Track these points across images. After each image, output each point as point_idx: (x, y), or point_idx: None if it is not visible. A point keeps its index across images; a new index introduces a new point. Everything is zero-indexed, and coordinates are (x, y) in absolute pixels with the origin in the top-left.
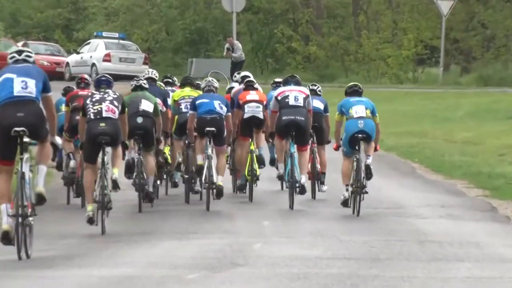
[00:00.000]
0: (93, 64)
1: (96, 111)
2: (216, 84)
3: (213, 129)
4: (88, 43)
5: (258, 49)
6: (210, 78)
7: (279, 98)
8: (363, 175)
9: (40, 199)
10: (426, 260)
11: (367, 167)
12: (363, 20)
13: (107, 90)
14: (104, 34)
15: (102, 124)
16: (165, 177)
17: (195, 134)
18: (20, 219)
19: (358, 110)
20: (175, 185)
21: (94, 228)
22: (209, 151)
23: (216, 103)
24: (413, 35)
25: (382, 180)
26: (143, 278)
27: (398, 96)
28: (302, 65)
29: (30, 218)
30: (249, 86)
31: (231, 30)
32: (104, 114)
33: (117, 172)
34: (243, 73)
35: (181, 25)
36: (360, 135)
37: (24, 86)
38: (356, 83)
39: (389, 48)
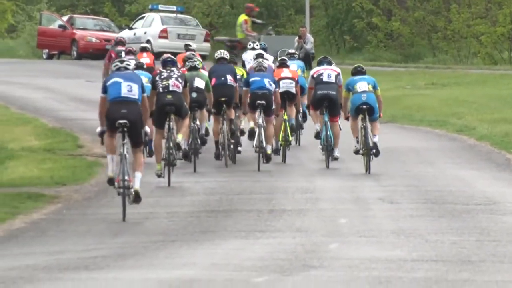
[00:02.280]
0: (148, 41)
1: (164, 85)
2: (265, 64)
3: (263, 102)
4: (142, 18)
5: (334, 25)
6: (260, 60)
7: (315, 76)
8: (369, 143)
9: (136, 197)
10: None
11: (374, 145)
12: None
13: (172, 68)
14: (160, 7)
15: (169, 96)
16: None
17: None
18: (123, 189)
19: (362, 85)
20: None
21: (149, 225)
22: (260, 120)
23: (266, 81)
24: (509, 9)
25: (473, 173)
26: (205, 282)
27: (491, 78)
28: (384, 43)
29: (131, 189)
30: (283, 64)
31: (303, 4)
32: (171, 88)
33: (181, 137)
34: (258, 51)
35: None
36: (364, 106)
37: (129, 89)
38: (360, 64)
39: (482, 25)
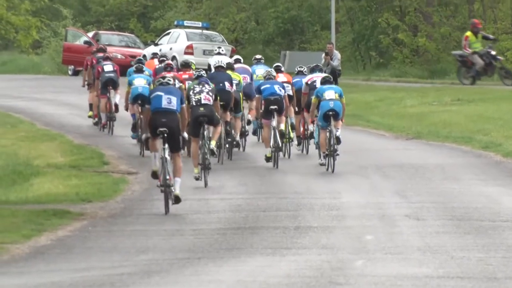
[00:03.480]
0: (174, 57)
1: (197, 99)
2: (274, 73)
3: (276, 107)
4: (168, 34)
5: (360, 40)
6: (270, 69)
7: (309, 82)
8: (333, 142)
9: (177, 199)
10: None
11: (337, 138)
12: (478, 8)
13: (204, 84)
14: (186, 23)
15: (202, 109)
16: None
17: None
18: (165, 188)
19: (329, 94)
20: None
21: (175, 242)
22: (274, 123)
23: (276, 87)
24: None
25: (499, 189)
26: None
27: None
28: (410, 59)
29: (172, 188)
30: (278, 70)
31: (329, 20)
32: (203, 101)
33: (214, 143)
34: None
35: (272, 13)
36: (330, 112)
37: (169, 101)
38: (328, 75)
39: (508, 40)
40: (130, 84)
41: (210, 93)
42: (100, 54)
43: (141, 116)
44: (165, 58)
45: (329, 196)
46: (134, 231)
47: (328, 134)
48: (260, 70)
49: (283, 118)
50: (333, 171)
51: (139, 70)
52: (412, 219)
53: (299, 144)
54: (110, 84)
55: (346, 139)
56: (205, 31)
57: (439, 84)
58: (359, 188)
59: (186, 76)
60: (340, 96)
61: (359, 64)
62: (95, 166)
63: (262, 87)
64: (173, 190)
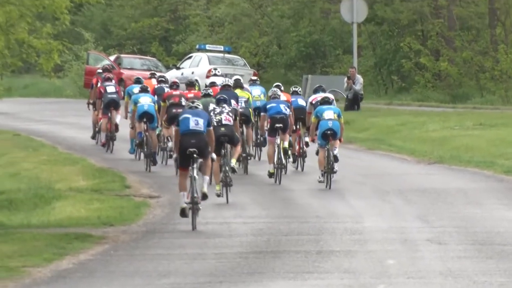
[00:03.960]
0: (196, 81)
1: (218, 120)
2: (279, 93)
3: (281, 125)
4: (190, 57)
5: (382, 65)
6: (275, 89)
7: (313, 102)
8: (331, 159)
9: (204, 196)
10: None
11: (335, 156)
12: (500, 33)
13: (223, 105)
14: (208, 47)
15: (223, 129)
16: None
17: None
18: (192, 205)
19: (328, 114)
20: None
21: (197, 266)
22: (278, 141)
23: (282, 106)
24: None
25: None
26: None
27: None
28: (432, 83)
29: (199, 204)
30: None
31: (351, 44)
32: (223, 122)
33: (234, 161)
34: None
35: (294, 37)
36: (329, 131)
37: (196, 123)
38: (327, 95)
39: None
40: (135, 103)
41: (230, 114)
42: (108, 75)
43: (147, 134)
44: (163, 78)
45: (351, 220)
46: (156, 255)
47: (326, 152)
48: (256, 91)
49: (287, 136)
50: (329, 188)
51: (144, 90)
52: (434, 244)
53: (294, 161)
54: (112, 105)
55: (368, 163)
56: (227, 55)
57: (461, 109)
58: (381, 212)
59: (191, 94)
60: (339, 116)
61: (381, 88)
62: (117, 190)
63: (268, 106)
64: (200, 202)
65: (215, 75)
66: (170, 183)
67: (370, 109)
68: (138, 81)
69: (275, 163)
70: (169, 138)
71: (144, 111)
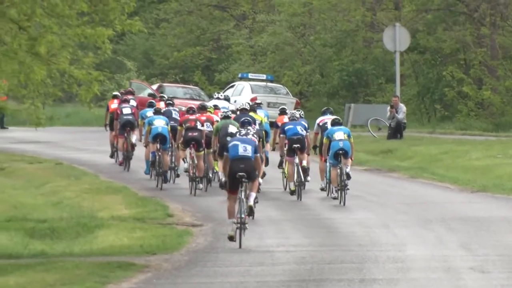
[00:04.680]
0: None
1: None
2: (297, 115)
3: (298, 145)
4: (232, 86)
5: (425, 93)
6: (294, 111)
7: (320, 124)
8: (344, 178)
9: (250, 211)
10: None
11: (347, 174)
12: None
13: (249, 128)
14: (250, 75)
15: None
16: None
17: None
18: (240, 225)
19: (339, 135)
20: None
21: None
22: (297, 160)
23: (299, 128)
24: None
25: None
26: None
27: None
28: (475, 112)
29: (246, 224)
30: (283, 112)
31: (393, 73)
32: (241, 153)
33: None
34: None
35: (337, 66)
36: (340, 151)
37: (245, 149)
38: (337, 117)
39: None
40: (150, 124)
41: (255, 135)
42: (126, 97)
43: (159, 153)
44: (171, 101)
45: (394, 249)
46: (199, 284)
47: (339, 171)
48: (260, 113)
49: (305, 155)
50: (344, 204)
51: (158, 112)
52: (477, 272)
53: (322, 189)
54: (128, 125)
55: (411, 192)
56: (269, 84)
57: (504, 137)
58: (424, 240)
59: (204, 117)
60: (349, 136)
61: (424, 117)
62: (159, 218)
63: (286, 128)
64: (246, 222)
65: (218, 98)
66: (213, 212)
67: (413, 138)
68: (150, 105)
69: (295, 181)
70: (184, 160)
71: (158, 132)
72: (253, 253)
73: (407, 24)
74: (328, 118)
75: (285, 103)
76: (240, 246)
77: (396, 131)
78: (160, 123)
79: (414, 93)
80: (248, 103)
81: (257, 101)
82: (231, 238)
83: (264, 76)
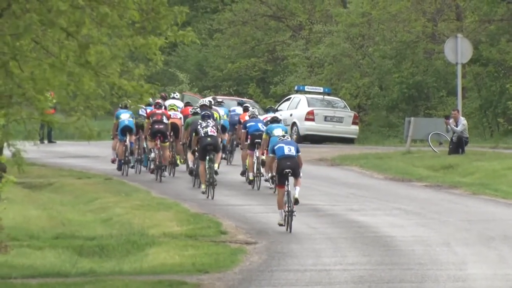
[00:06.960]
0: (294, 124)
1: (205, 132)
2: (257, 113)
3: (259, 140)
4: (288, 99)
5: (487, 107)
6: (254, 109)
7: (264, 121)
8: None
9: (296, 201)
10: None
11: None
12: None
13: (208, 120)
14: (307, 88)
15: (209, 139)
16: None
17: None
18: (289, 213)
19: (278, 131)
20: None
21: None
22: (257, 153)
23: (259, 125)
24: None
25: None
26: None
27: None
28: None
29: (294, 212)
30: (275, 122)
31: (455, 85)
32: (209, 133)
33: (217, 165)
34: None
35: (397, 78)
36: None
37: (289, 150)
38: (276, 116)
39: None
40: (117, 118)
41: (214, 127)
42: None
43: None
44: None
45: (454, 268)
46: None
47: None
48: (221, 111)
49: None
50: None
51: (125, 107)
52: None
53: (266, 180)
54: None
55: (473, 209)
56: (326, 97)
57: None
58: (486, 259)
59: (170, 112)
60: (286, 132)
61: (486, 131)
62: (212, 236)
63: (248, 124)
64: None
65: (173, 98)
66: (268, 229)
67: (475, 153)
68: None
69: (254, 172)
70: (151, 150)
71: (125, 125)
72: (309, 272)
73: (469, 35)
74: (270, 116)
75: (342, 116)
76: (290, 231)
77: (458, 146)
78: (125, 117)
79: (476, 106)
80: (210, 101)
81: (219, 100)
82: (281, 225)
83: (321, 89)
